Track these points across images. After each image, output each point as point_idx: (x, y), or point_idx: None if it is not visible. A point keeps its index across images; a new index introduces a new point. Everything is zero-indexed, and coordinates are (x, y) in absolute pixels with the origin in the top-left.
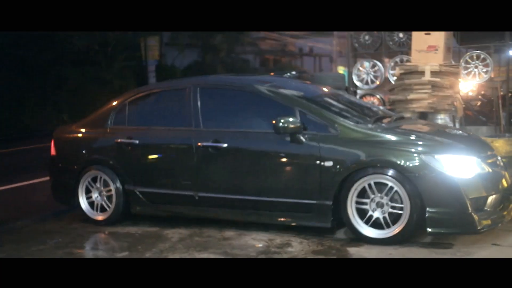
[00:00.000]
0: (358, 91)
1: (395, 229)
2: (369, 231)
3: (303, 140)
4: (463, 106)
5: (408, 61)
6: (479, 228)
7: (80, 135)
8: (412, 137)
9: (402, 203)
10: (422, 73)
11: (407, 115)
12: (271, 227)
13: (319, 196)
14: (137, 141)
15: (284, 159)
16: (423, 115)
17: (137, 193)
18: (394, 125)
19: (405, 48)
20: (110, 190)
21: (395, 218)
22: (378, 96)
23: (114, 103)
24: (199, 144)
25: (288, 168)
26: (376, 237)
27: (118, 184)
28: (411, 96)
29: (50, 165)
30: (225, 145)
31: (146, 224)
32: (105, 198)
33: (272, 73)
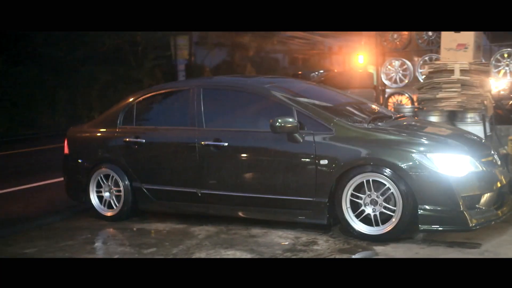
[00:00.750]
0: (387, 90)
1: (387, 227)
2: (361, 227)
3: (300, 139)
4: (493, 104)
5: (437, 59)
6: (471, 225)
7: (91, 134)
8: (406, 137)
9: (395, 200)
10: (451, 71)
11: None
12: (297, 225)
13: (315, 194)
14: (143, 140)
15: (281, 158)
16: (453, 114)
17: (144, 190)
18: (390, 124)
19: (434, 46)
20: (119, 188)
21: (387, 216)
22: (406, 95)
23: (123, 103)
24: (202, 143)
25: (285, 166)
26: (368, 233)
27: (126, 182)
28: (440, 95)
29: (64, 163)
30: (226, 144)
31: (174, 221)
32: (114, 195)
33: (300, 72)
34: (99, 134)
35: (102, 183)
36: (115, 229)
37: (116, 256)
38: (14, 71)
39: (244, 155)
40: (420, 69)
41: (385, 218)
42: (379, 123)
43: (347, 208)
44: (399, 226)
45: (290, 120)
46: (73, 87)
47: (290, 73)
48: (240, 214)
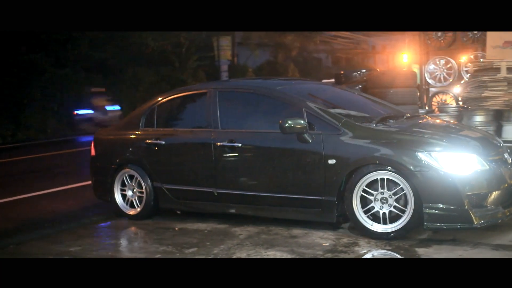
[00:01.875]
0: (431, 89)
1: (397, 225)
2: (372, 225)
3: (309, 139)
4: None
5: (483, 57)
6: (475, 224)
7: (115, 137)
8: (412, 136)
9: (405, 199)
10: (497, 69)
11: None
12: (339, 226)
13: (324, 193)
14: (163, 142)
15: (291, 158)
16: (498, 113)
17: (164, 190)
18: (399, 124)
19: (480, 44)
20: (142, 187)
21: (394, 215)
22: (451, 94)
23: (145, 107)
24: (217, 144)
25: (296, 166)
26: (378, 231)
27: (148, 182)
28: (486, 93)
29: (91, 165)
30: (239, 144)
31: (215, 221)
32: (137, 195)
33: (342, 72)
34: (122, 137)
35: (126, 183)
36: (157, 229)
37: (157, 256)
38: (62, 73)
39: (256, 155)
40: (465, 67)
41: (395, 215)
42: (388, 123)
43: (357, 207)
44: (409, 224)
45: (299, 120)
46: (118, 89)
47: (332, 73)
48: (251, 212)
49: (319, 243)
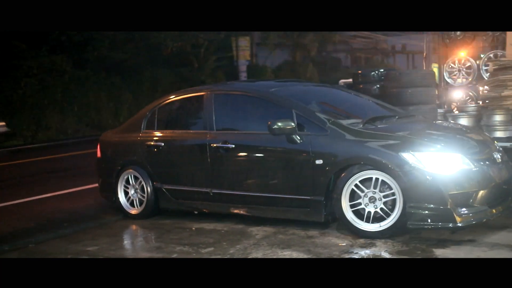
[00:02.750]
0: (450, 89)
1: (386, 224)
2: (361, 224)
3: (297, 140)
4: None
5: (502, 56)
6: (458, 223)
7: (119, 139)
8: (396, 137)
9: (394, 199)
10: None
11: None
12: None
13: (312, 192)
14: (162, 144)
15: (281, 158)
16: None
17: (164, 190)
18: (388, 125)
19: (500, 43)
20: (143, 188)
21: (380, 215)
22: (470, 93)
23: (146, 109)
24: (212, 145)
25: (285, 166)
26: (367, 230)
27: (150, 182)
28: (505, 92)
29: (97, 166)
30: (233, 146)
31: (233, 221)
32: (139, 195)
33: (359, 71)
34: (125, 139)
35: (128, 184)
36: (174, 229)
37: (174, 255)
38: (82, 74)
39: (248, 156)
40: (485, 66)
41: (384, 214)
42: (376, 124)
43: (346, 206)
44: (397, 223)
45: (287, 122)
46: (137, 89)
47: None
48: (244, 212)
49: (336, 243)
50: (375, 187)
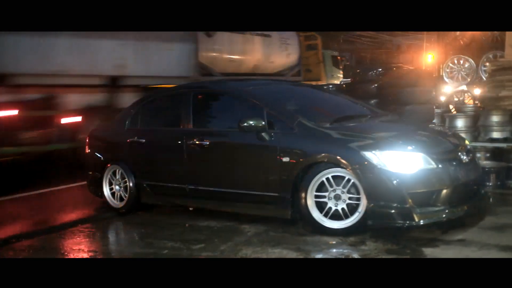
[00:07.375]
0: (449, 88)
1: (351, 221)
2: (325, 222)
3: (266, 138)
4: None
5: (501, 56)
6: (417, 222)
7: (106, 135)
8: (360, 136)
9: (357, 195)
10: None
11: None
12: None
13: (280, 189)
14: (143, 141)
15: (251, 156)
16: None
17: (145, 185)
18: (356, 124)
19: (499, 43)
20: (126, 183)
21: (345, 213)
22: (468, 94)
23: (130, 107)
24: (188, 142)
25: (255, 163)
26: (333, 227)
27: (132, 178)
28: (503, 93)
29: (85, 162)
30: (207, 143)
31: (226, 218)
32: (122, 190)
33: (358, 70)
34: (111, 135)
35: (112, 180)
36: (168, 225)
37: (165, 251)
38: None
39: (221, 153)
40: (484, 67)
41: (348, 211)
42: (344, 123)
43: (312, 204)
44: (360, 221)
45: (257, 120)
46: None
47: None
48: (218, 208)
49: (326, 241)
50: (344, 187)
